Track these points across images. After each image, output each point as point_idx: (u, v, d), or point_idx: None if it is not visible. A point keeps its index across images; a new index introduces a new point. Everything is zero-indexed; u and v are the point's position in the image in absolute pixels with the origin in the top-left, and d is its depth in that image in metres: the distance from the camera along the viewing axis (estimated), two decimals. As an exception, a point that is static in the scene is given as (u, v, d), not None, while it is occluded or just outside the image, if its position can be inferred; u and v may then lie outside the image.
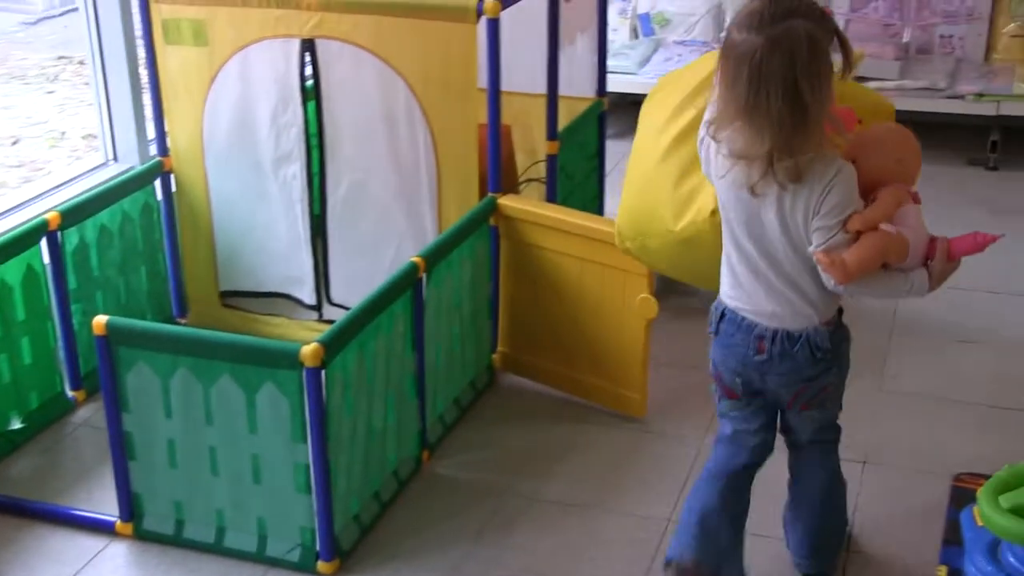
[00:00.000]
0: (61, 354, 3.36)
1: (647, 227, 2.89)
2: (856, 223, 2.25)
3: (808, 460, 2.60)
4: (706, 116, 2.35)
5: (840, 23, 5.36)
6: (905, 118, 5.21)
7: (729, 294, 2.43)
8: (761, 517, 2.64)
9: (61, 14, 9.04)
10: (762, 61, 2.17)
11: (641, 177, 2.91)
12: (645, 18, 5.60)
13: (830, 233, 2.25)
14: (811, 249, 2.28)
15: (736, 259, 2.39)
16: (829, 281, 2.30)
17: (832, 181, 2.24)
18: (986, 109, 4.98)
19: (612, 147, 4.41)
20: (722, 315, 2.45)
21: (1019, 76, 5.06)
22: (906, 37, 5.36)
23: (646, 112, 2.99)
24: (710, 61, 2.55)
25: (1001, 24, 5.28)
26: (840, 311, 2.44)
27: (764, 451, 2.55)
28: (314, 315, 3.63)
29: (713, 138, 2.31)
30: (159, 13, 3.47)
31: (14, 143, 6.33)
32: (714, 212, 2.63)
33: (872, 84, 5.03)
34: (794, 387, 2.45)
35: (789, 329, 2.38)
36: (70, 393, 3.40)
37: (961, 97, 5.01)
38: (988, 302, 3.93)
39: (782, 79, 2.17)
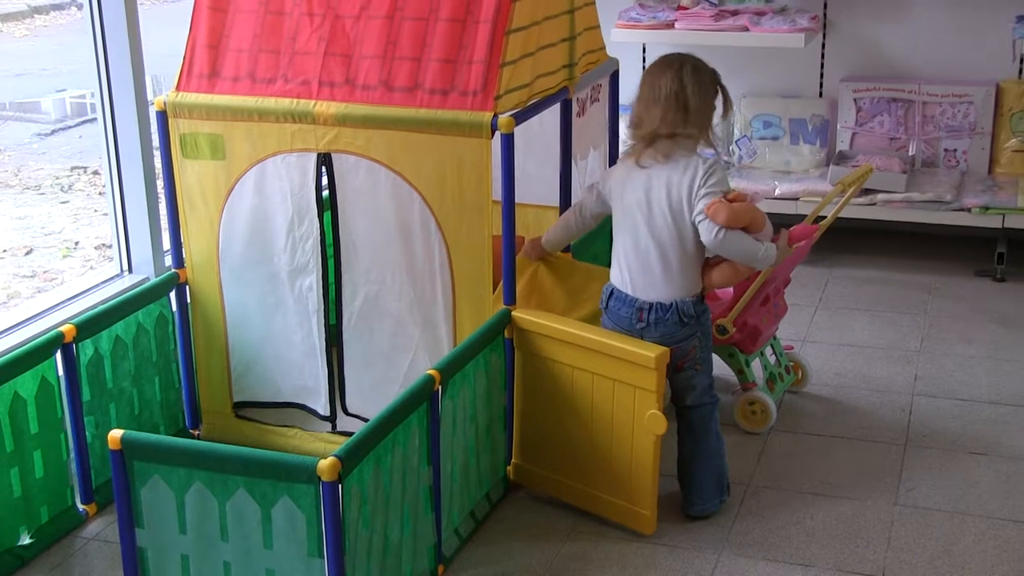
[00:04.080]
0: (73, 467, 3.34)
1: None
2: (733, 194, 3.14)
3: (691, 424, 3.31)
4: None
5: (847, 137, 5.47)
6: (913, 230, 5.35)
7: (618, 279, 3.27)
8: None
9: (76, 124, 9.19)
10: (657, 75, 3.18)
11: None
12: (653, 131, 5.67)
13: (712, 196, 3.10)
14: (698, 207, 3.11)
15: (630, 249, 3.22)
16: (711, 230, 3.10)
17: (713, 166, 3.15)
18: (992, 222, 5.02)
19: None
20: (611, 294, 3.28)
21: (1023, 189, 5.11)
22: (912, 151, 5.42)
23: None
24: None
25: (1003, 139, 5.35)
26: (702, 293, 3.27)
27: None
28: (328, 426, 3.62)
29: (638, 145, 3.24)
30: (177, 128, 3.52)
31: (27, 253, 6.38)
32: None
33: (880, 196, 5.11)
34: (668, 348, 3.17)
35: (662, 300, 3.20)
36: (81, 507, 3.38)
37: (967, 210, 5.05)
38: (997, 413, 3.92)
39: (670, 84, 3.15)
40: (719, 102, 3.24)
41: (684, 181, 3.15)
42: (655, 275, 3.21)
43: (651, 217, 3.19)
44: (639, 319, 3.22)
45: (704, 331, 3.29)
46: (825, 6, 5.49)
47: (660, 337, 3.22)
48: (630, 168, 3.25)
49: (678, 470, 3.37)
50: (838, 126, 5.52)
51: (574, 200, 3.64)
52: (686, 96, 3.15)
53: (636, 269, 3.23)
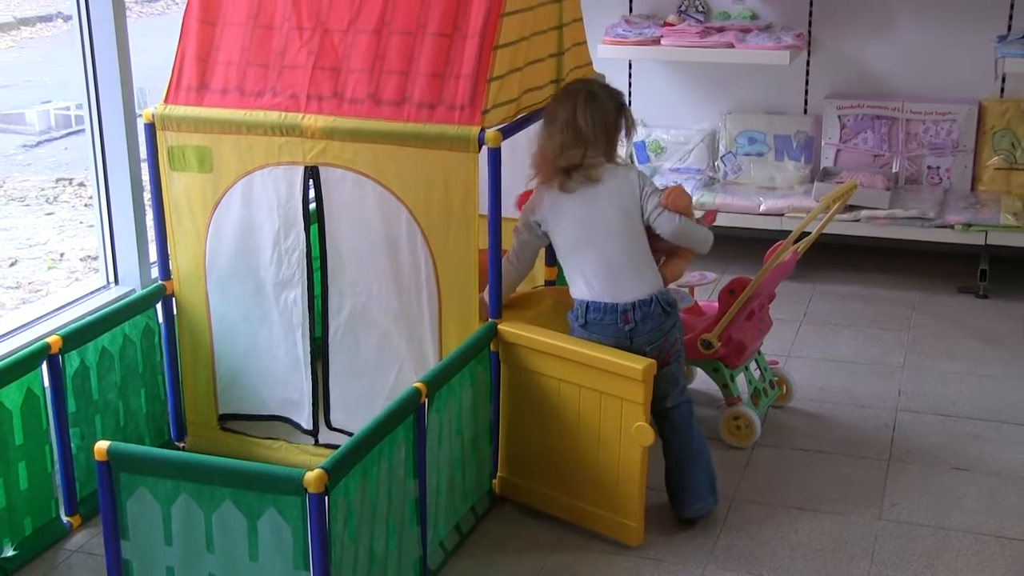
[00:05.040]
0: (58, 478, 3.33)
1: None
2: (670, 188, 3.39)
3: (675, 425, 3.35)
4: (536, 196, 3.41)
5: (831, 153, 5.50)
6: (896, 246, 5.38)
7: (589, 294, 3.31)
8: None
9: (61, 136, 9.18)
10: (585, 108, 3.29)
11: None
12: (640, 146, 5.70)
13: (659, 194, 3.32)
14: (651, 205, 3.30)
15: (594, 262, 3.30)
16: (672, 220, 3.31)
17: (639, 171, 3.42)
18: (974, 239, 5.05)
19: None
20: (587, 307, 3.30)
21: (1005, 207, 5.15)
22: (895, 168, 5.46)
23: None
24: None
25: (985, 156, 5.39)
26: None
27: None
28: (310, 440, 3.62)
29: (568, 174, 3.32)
30: (165, 140, 3.53)
31: (12, 264, 6.37)
32: None
33: (864, 213, 5.14)
34: (657, 342, 3.30)
35: (642, 297, 3.28)
36: (65, 518, 3.37)
37: (950, 227, 5.08)
38: (979, 428, 3.94)
39: (601, 114, 3.32)
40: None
41: (625, 188, 3.33)
42: (627, 276, 3.30)
43: (607, 227, 3.31)
44: (625, 321, 3.28)
45: (679, 321, 3.42)
46: (810, 23, 5.53)
47: (650, 332, 3.29)
48: (556, 196, 3.34)
49: (668, 476, 3.38)
50: (822, 143, 5.55)
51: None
52: (607, 121, 3.34)
53: (607, 277, 3.31)
